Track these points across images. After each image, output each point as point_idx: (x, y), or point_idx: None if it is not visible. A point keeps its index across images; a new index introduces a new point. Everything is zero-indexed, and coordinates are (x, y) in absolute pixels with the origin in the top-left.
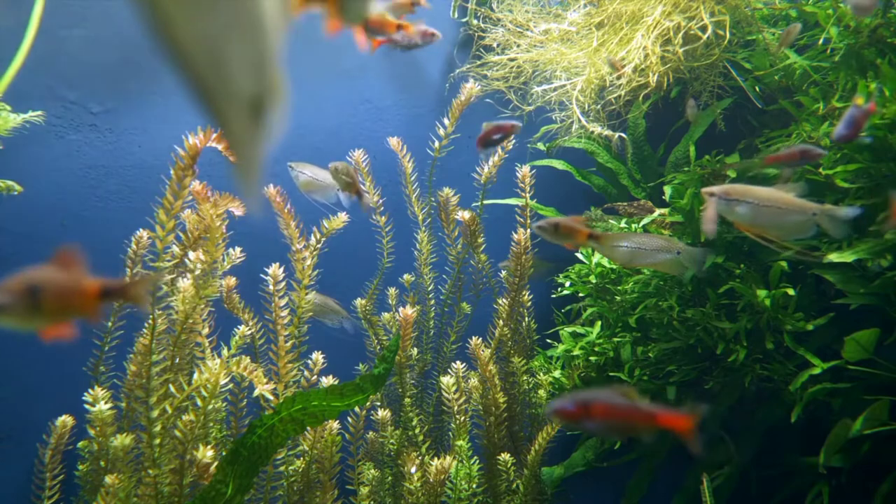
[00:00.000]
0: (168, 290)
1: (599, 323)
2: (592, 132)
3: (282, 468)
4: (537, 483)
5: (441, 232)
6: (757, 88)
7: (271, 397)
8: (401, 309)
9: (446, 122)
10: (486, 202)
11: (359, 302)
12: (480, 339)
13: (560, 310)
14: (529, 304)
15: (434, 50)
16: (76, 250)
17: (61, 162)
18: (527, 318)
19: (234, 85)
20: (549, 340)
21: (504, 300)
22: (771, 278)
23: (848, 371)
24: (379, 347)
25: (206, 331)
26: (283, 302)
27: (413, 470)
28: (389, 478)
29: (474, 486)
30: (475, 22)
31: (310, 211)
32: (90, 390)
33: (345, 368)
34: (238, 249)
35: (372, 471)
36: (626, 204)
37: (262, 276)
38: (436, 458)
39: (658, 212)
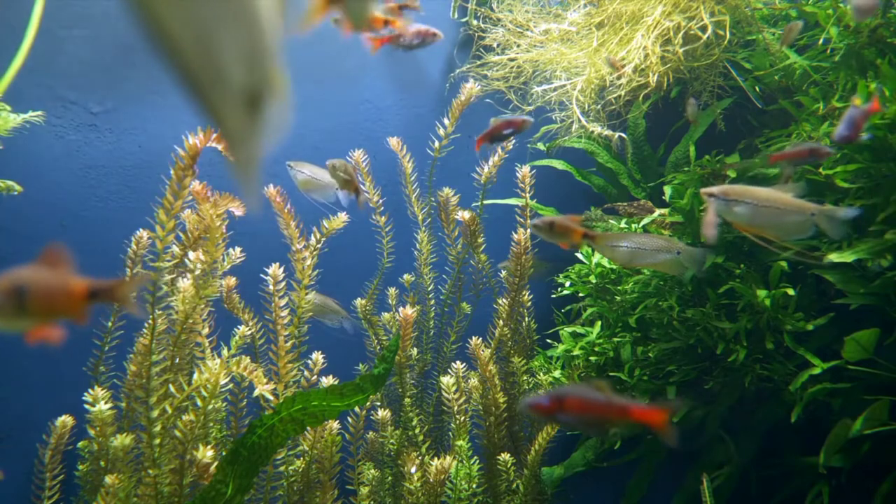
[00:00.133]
0: (168, 290)
1: (599, 323)
2: (592, 132)
3: (282, 468)
4: (537, 483)
5: (441, 232)
6: (757, 88)
7: (271, 397)
8: (401, 309)
9: (446, 122)
10: (486, 202)
11: (359, 302)
12: (480, 339)
13: (560, 310)
14: (529, 304)
15: (434, 50)
16: (63, 250)
17: (61, 162)
18: (527, 318)
19: (226, 76)
20: (549, 340)
21: (504, 300)
22: (771, 278)
23: (848, 371)
24: (379, 347)
25: (206, 331)
26: (283, 302)
27: (413, 470)
28: (389, 478)
29: (474, 486)
30: (475, 22)
31: (310, 211)
32: (90, 390)
33: (345, 368)
34: (238, 249)
35: (372, 471)
36: (626, 204)
37: (262, 276)
38: (436, 458)
39: (658, 212)
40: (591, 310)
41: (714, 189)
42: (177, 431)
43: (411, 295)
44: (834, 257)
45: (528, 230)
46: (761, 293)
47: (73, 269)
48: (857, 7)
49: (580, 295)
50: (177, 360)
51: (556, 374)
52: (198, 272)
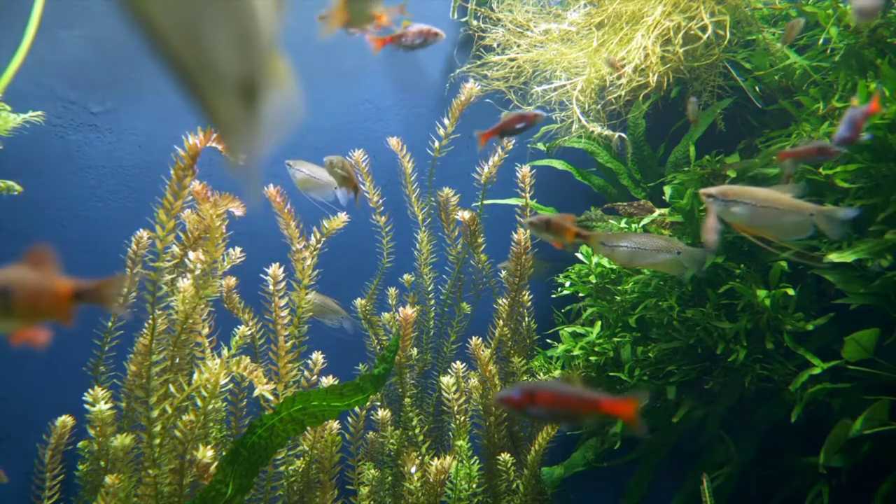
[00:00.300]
0: (168, 290)
1: (599, 323)
2: (592, 132)
3: (282, 468)
4: (537, 483)
5: (441, 232)
6: (757, 88)
7: (271, 397)
8: (401, 309)
9: (446, 122)
10: (486, 202)
11: (359, 302)
12: (480, 339)
13: (560, 310)
14: (529, 304)
15: (434, 50)
16: (48, 250)
17: (61, 162)
18: (527, 318)
19: (216, 65)
20: (549, 340)
21: (504, 300)
22: (771, 278)
23: (848, 371)
24: (379, 347)
25: (206, 331)
26: (283, 302)
27: (413, 470)
28: (389, 478)
29: (474, 486)
30: (475, 22)
31: (310, 211)
32: (90, 390)
33: (345, 368)
34: (238, 249)
35: (372, 471)
36: (626, 204)
37: (262, 276)
38: (436, 458)
39: (658, 212)
40: (591, 310)
41: (713, 190)
42: (177, 431)
43: (411, 295)
44: (834, 257)
45: (527, 230)
46: (761, 293)
47: (58, 270)
48: (859, 9)
49: (580, 295)
50: (177, 360)
51: (556, 374)
52: (198, 272)
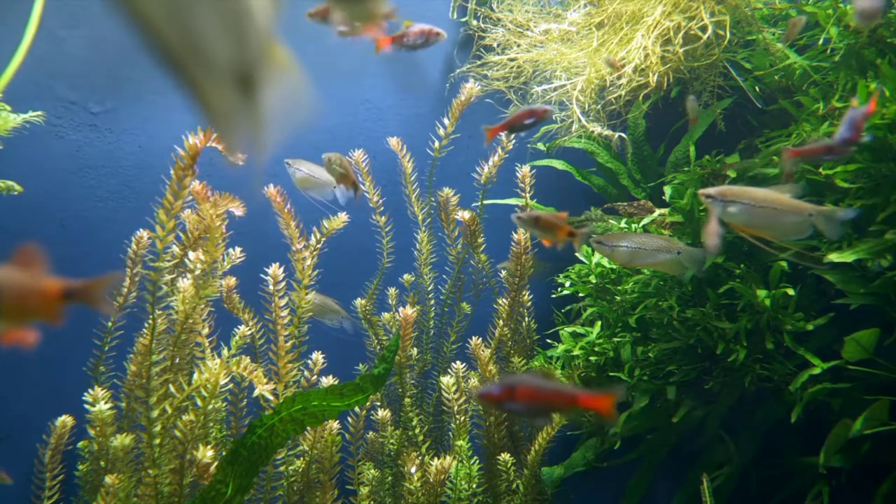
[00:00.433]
0: (168, 290)
1: (599, 323)
2: (592, 132)
3: (282, 468)
4: (537, 483)
5: (441, 232)
6: (757, 88)
7: (271, 397)
8: (401, 309)
9: (446, 122)
10: (486, 202)
11: (359, 302)
12: (480, 339)
13: (560, 310)
14: (529, 304)
15: (434, 50)
16: (37, 249)
17: (61, 162)
18: (527, 318)
19: (208, 52)
20: (549, 340)
21: (504, 300)
22: (771, 278)
23: (848, 371)
24: (379, 347)
25: (206, 331)
26: (283, 302)
27: (413, 470)
28: (389, 478)
29: (474, 486)
30: (475, 22)
31: (310, 211)
32: (90, 390)
33: (345, 368)
34: (238, 249)
35: (372, 471)
36: (626, 204)
37: (262, 276)
38: (436, 458)
39: (658, 212)
40: (591, 310)
41: (711, 190)
42: (177, 431)
43: (411, 295)
44: (834, 257)
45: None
46: (761, 293)
47: (47, 269)
48: (861, 12)
49: (580, 295)
50: (177, 360)
51: (557, 374)
52: (198, 272)
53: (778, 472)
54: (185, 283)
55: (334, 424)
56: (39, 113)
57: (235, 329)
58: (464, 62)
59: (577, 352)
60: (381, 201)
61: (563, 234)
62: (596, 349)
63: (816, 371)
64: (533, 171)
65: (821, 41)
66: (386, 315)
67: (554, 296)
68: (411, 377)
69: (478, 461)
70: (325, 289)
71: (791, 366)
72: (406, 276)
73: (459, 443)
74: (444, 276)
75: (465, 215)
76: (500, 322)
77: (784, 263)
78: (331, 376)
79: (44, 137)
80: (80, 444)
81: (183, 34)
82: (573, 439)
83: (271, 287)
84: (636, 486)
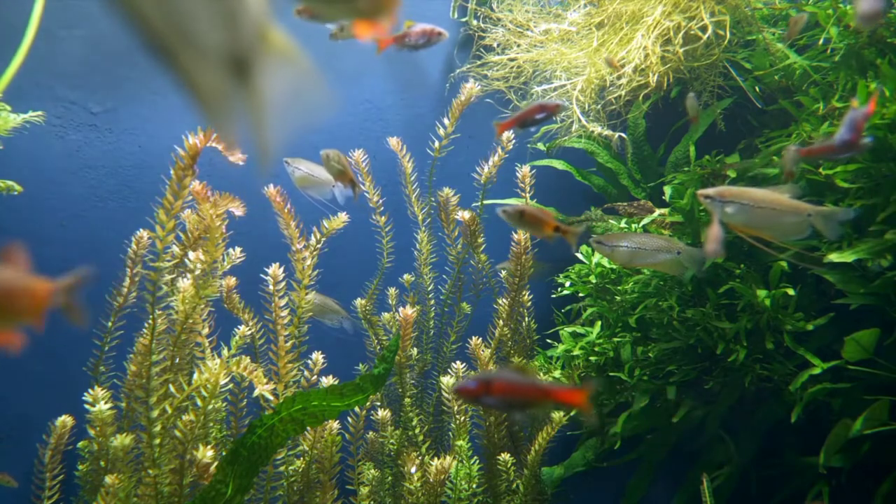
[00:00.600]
0: (168, 290)
1: (599, 323)
2: (592, 132)
3: (282, 468)
4: (537, 483)
5: (441, 232)
6: (757, 88)
7: (271, 397)
8: (401, 309)
9: (446, 122)
10: (486, 202)
11: (359, 302)
12: (480, 339)
13: (560, 310)
14: (529, 304)
15: (434, 50)
16: (20, 248)
17: (61, 162)
18: (527, 318)
19: (196, 36)
20: (549, 340)
21: (504, 300)
22: (771, 278)
23: (848, 371)
24: (379, 347)
25: (206, 331)
26: (283, 302)
27: (413, 470)
28: (389, 478)
29: (474, 486)
30: (475, 22)
31: (310, 211)
32: (90, 390)
33: (345, 368)
34: (238, 249)
35: (372, 471)
36: (626, 204)
37: (262, 276)
38: (436, 458)
39: (658, 212)
40: (591, 310)
41: (710, 191)
42: (177, 431)
43: (411, 295)
44: (834, 257)
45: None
46: (761, 293)
47: (31, 270)
48: (863, 15)
49: (580, 295)
50: (177, 360)
51: (557, 373)
52: (198, 272)
53: (778, 472)
54: (185, 283)
55: (334, 424)
56: (39, 113)
57: (235, 329)
58: (464, 62)
59: (577, 352)
60: (381, 201)
61: (548, 229)
62: (596, 349)
63: (816, 371)
64: (533, 171)
65: (821, 41)
66: (386, 315)
67: (554, 296)
68: (411, 377)
69: (478, 461)
70: (325, 289)
71: (791, 366)
72: (406, 276)
73: (459, 443)
74: (444, 276)
75: (465, 215)
76: (500, 322)
77: (784, 263)
78: (331, 376)
79: (44, 137)
80: (80, 444)
81: (169, 16)
82: (573, 439)
83: (271, 287)
84: (636, 486)
